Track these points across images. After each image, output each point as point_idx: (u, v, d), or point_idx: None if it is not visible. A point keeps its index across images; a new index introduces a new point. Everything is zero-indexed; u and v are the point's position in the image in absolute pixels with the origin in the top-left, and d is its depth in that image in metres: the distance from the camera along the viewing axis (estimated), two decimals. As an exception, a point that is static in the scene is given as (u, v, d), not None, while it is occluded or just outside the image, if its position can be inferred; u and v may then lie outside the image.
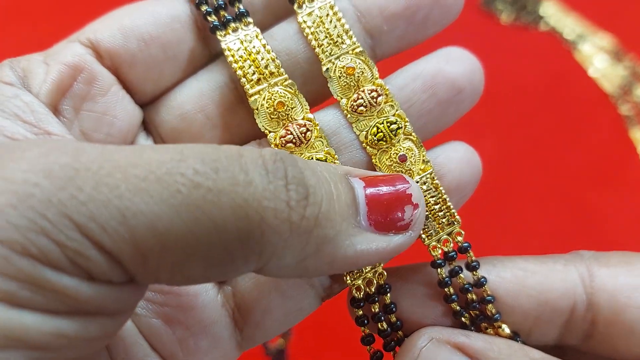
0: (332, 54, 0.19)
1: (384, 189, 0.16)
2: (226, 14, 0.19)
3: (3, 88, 0.17)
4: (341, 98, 0.19)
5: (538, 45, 0.45)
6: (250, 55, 0.19)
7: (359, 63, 0.19)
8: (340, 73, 0.19)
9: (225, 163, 0.13)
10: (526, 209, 0.38)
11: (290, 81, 0.19)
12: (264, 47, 0.19)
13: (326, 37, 0.19)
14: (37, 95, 0.17)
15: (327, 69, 0.19)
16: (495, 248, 0.36)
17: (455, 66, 0.19)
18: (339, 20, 0.19)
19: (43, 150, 0.13)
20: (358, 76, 0.19)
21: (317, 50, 0.19)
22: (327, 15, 0.19)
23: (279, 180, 0.14)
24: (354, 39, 0.19)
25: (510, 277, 0.18)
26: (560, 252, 0.36)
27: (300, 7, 0.19)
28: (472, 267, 0.18)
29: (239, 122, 0.20)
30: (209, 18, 0.19)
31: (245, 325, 0.19)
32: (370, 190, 0.16)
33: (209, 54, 0.20)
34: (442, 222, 0.19)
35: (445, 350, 0.17)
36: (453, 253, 0.19)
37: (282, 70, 0.19)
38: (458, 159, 0.19)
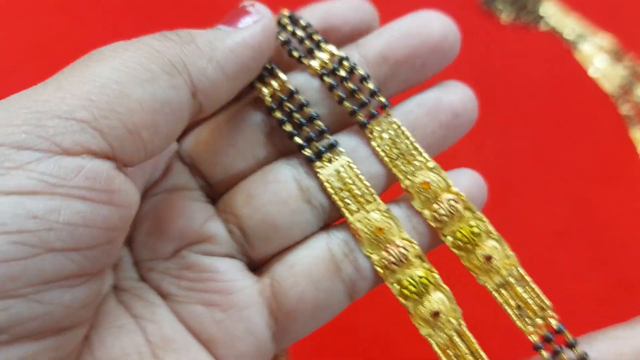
0: (407, 172, 0.21)
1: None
2: (319, 146, 0.21)
3: None
4: (423, 209, 0.21)
5: (538, 45, 0.45)
6: (346, 185, 0.21)
7: (434, 176, 0.21)
8: (419, 189, 0.21)
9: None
10: (525, 208, 0.38)
11: (385, 207, 0.21)
12: (357, 177, 0.21)
13: (399, 157, 0.21)
14: None
15: (407, 186, 0.21)
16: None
17: (452, 94, 0.22)
18: (407, 138, 0.21)
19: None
20: (435, 189, 0.21)
21: (393, 170, 0.21)
22: (397, 135, 0.21)
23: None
24: (425, 155, 0.21)
25: (606, 347, 0.19)
26: (559, 251, 0.37)
27: (371, 133, 0.21)
28: (571, 345, 0.20)
29: (266, 156, 0.22)
30: (305, 152, 0.21)
31: (279, 313, 0.20)
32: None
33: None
34: (534, 308, 0.20)
35: None
36: (550, 334, 0.20)
37: (375, 196, 0.21)
38: (467, 181, 0.21)
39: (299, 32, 0.22)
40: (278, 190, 0.21)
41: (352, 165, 0.21)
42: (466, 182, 0.21)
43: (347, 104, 0.21)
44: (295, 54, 0.22)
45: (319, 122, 0.21)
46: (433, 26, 0.21)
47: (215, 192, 0.22)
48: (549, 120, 0.42)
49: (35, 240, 0.15)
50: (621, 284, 0.36)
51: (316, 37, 0.22)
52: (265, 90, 0.21)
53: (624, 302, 0.35)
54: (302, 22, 0.22)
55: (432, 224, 0.21)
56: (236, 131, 0.22)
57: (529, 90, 0.43)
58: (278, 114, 0.21)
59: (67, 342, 0.16)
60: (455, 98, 0.21)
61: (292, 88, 0.21)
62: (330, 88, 0.21)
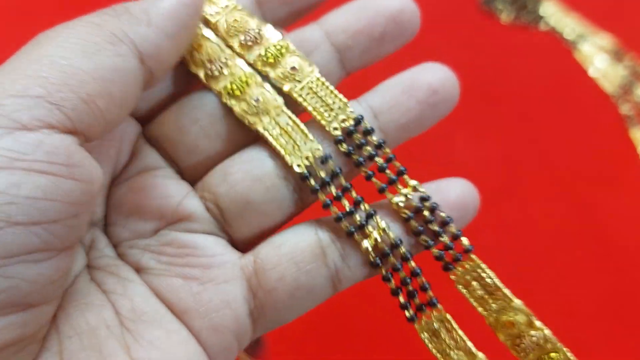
0: (492, 310, 0.21)
1: None
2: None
3: None
4: (506, 341, 0.21)
5: (538, 45, 0.45)
6: (446, 342, 0.21)
7: (519, 316, 0.21)
8: (503, 327, 0.21)
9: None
10: (525, 208, 0.38)
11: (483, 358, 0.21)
12: (457, 334, 0.21)
13: (483, 297, 0.21)
14: None
15: (491, 322, 0.21)
16: (496, 246, 0.36)
17: (429, 73, 0.22)
18: (490, 278, 0.21)
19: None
20: (519, 326, 0.21)
21: (479, 309, 0.21)
22: (480, 277, 0.21)
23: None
24: (509, 294, 0.21)
25: None
26: (558, 251, 0.37)
27: (455, 274, 0.21)
28: None
29: (229, 131, 0.22)
30: (407, 314, 0.21)
31: (259, 290, 0.20)
32: None
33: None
34: None
35: None
36: None
37: (473, 349, 0.21)
38: (458, 191, 0.22)
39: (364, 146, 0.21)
40: (253, 168, 0.21)
41: (451, 321, 0.21)
42: (457, 191, 0.22)
43: (434, 251, 0.21)
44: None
45: (423, 279, 0.21)
46: (389, 1, 0.22)
47: (188, 176, 0.22)
48: (549, 120, 0.42)
49: None
50: (621, 284, 0.36)
51: (397, 166, 0.21)
52: (366, 243, 0.21)
53: (624, 302, 0.35)
54: (373, 138, 0.21)
55: (513, 353, 0.21)
56: (197, 110, 0.22)
57: (529, 90, 0.43)
58: (383, 272, 0.21)
59: (34, 318, 0.17)
60: (432, 76, 0.22)
61: (394, 237, 0.21)
62: (417, 234, 0.21)
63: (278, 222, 0.22)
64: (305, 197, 0.22)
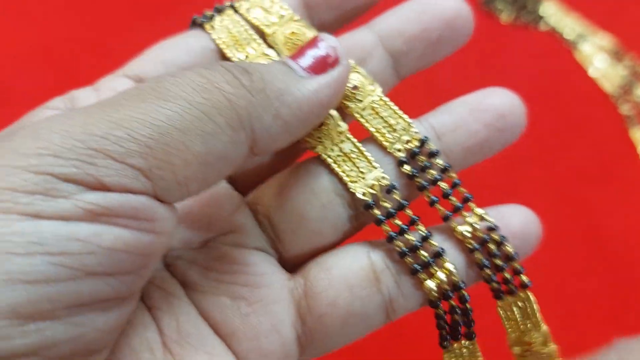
0: (519, 330, 0.21)
1: (308, 52, 0.19)
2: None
3: (48, 112, 0.19)
4: (515, 352, 0.21)
5: (538, 45, 0.45)
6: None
7: (539, 336, 0.20)
8: (522, 343, 0.21)
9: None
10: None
11: None
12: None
13: (513, 324, 0.21)
14: None
15: (512, 338, 0.21)
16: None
17: (496, 98, 0.22)
18: (532, 309, 0.20)
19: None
20: (535, 346, 0.21)
21: (510, 331, 0.21)
22: (525, 307, 0.20)
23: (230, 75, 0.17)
24: (540, 319, 0.20)
25: None
26: (558, 252, 0.37)
27: (501, 300, 0.21)
28: None
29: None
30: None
31: (308, 315, 0.19)
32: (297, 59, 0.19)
33: None
34: None
35: None
36: None
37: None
38: (519, 221, 0.21)
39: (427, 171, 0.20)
40: (309, 182, 0.20)
41: (477, 351, 0.20)
42: (521, 221, 0.21)
43: (494, 285, 0.20)
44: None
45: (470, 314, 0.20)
46: (445, 3, 0.21)
47: (239, 186, 0.21)
48: (548, 119, 0.42)
49: (76, 263, 0.15)
50: (620, 284, 0.36)
51: (462, 192, 0.20)
52: (431, 284, 0.19)
53: (623, 302, 0.35)
54: (439, 162, 0.20)
55: None
56: None
57: (528, 90, 0.43)
58: (440, 311, 0.20)
59: None
60: (500, 100, 0.22)
61: (458, 279, 0.20)
62: (481, 267, 0.20)
63: (330, 241, 0.20)
64: (361, 218, 0.21)
